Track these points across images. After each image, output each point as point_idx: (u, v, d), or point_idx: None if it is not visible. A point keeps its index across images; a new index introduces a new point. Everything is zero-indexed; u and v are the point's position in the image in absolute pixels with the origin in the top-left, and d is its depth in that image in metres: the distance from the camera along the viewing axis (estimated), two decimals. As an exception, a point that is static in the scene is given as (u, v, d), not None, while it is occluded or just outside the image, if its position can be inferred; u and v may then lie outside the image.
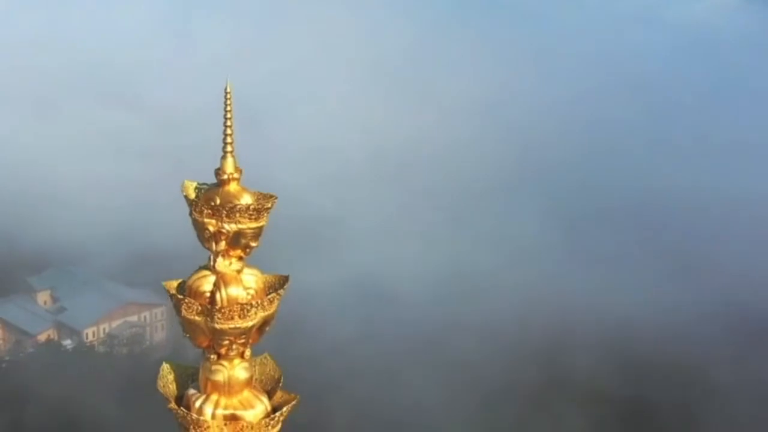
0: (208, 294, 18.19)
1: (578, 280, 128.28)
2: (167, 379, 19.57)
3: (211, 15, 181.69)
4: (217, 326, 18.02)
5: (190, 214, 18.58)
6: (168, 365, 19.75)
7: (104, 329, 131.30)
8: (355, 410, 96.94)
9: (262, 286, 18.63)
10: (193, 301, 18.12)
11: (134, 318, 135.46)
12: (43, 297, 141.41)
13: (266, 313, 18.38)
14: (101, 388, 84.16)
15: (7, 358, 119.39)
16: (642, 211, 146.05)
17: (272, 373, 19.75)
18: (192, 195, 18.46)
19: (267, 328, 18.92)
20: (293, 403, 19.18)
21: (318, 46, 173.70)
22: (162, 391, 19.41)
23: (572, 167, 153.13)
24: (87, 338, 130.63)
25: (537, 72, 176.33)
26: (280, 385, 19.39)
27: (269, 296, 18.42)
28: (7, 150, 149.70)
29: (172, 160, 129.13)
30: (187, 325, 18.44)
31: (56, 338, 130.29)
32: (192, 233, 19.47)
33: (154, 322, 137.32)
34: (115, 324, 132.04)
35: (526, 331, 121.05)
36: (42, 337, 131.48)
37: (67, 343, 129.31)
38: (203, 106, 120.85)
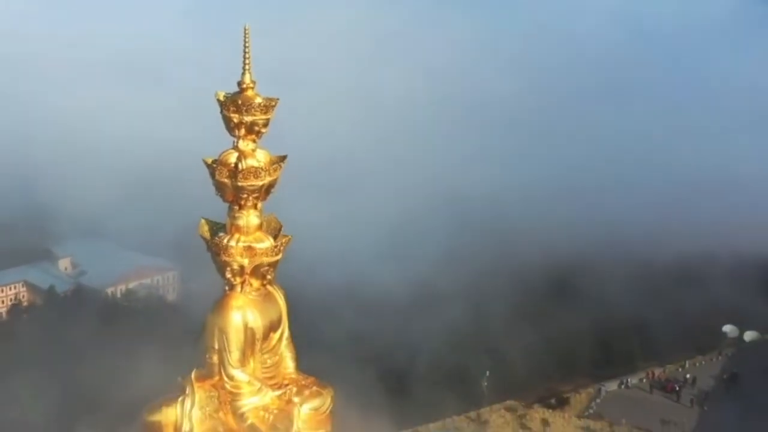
0: (233, 164, 25.65)
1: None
2: (204, 229, 27.82)
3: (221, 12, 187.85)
4: (239, 184, 25.61)
5: (221, 111, 27.22)
6: (204, 220, 27.41)
7: (121, 290, 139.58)
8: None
9: (268, 160, 26.20)
10: (223, 168, 25.76)
11: (148, 281, 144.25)
12: (64, 263, 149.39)
13: (271, 178, 26.02)
14: (129, 327, 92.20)
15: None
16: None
17: (275, 226, 28.16)
18: (222, 98, 27.58)
19: (272, 190, 26.40)
20: (289, 238, 28.16)
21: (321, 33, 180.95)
22: (201, 236, 27.87)
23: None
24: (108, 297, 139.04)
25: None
26: (281, 232, 28.10)
27: (273, 166, 26.15)
28: (29, 128, 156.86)
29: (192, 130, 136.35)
30: (219, 186, 26.01)
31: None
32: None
33: (167, 284, 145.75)
34: (131, 285, 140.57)
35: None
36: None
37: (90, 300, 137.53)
38: (220, 84, 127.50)
